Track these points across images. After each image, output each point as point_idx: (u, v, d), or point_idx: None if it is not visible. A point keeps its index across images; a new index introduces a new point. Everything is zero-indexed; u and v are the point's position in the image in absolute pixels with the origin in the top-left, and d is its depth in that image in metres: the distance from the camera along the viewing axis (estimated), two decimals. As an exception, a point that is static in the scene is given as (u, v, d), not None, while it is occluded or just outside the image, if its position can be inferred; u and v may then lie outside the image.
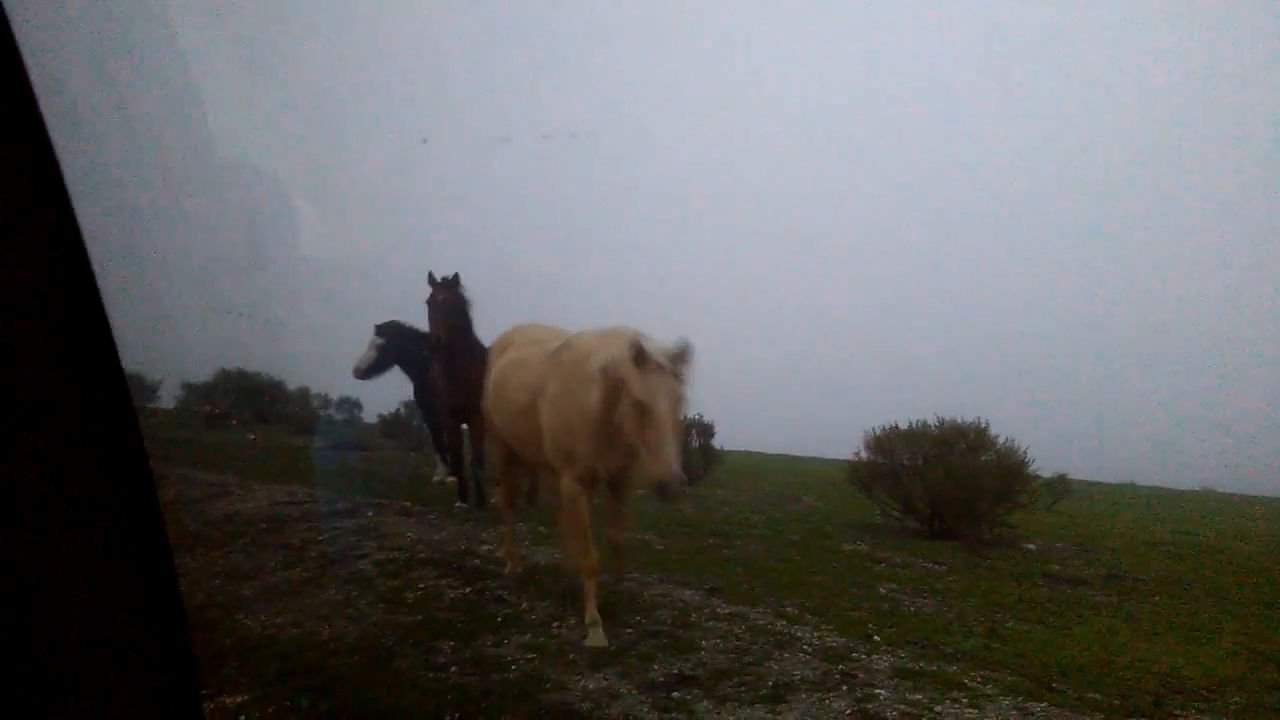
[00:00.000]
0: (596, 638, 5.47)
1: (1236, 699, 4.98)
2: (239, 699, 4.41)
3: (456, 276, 10.05)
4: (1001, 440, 11.53)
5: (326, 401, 30.94)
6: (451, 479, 11.97)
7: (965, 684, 4.99)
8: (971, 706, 4.61)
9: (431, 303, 9.84)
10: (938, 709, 4.55)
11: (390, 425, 24.50)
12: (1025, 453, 11.27)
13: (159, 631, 1.27)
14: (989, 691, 4.88)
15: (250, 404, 27.31)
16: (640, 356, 4.77)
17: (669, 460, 4.61)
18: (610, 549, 6.22)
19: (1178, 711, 4.65)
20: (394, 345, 12.36)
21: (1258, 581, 9.53)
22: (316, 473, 13.91)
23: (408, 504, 10.86)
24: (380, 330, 12.39)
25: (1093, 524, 15.20)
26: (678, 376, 4.84)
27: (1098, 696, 4.86)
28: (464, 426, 11.17)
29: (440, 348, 9.94)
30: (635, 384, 4.76)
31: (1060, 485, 20.29)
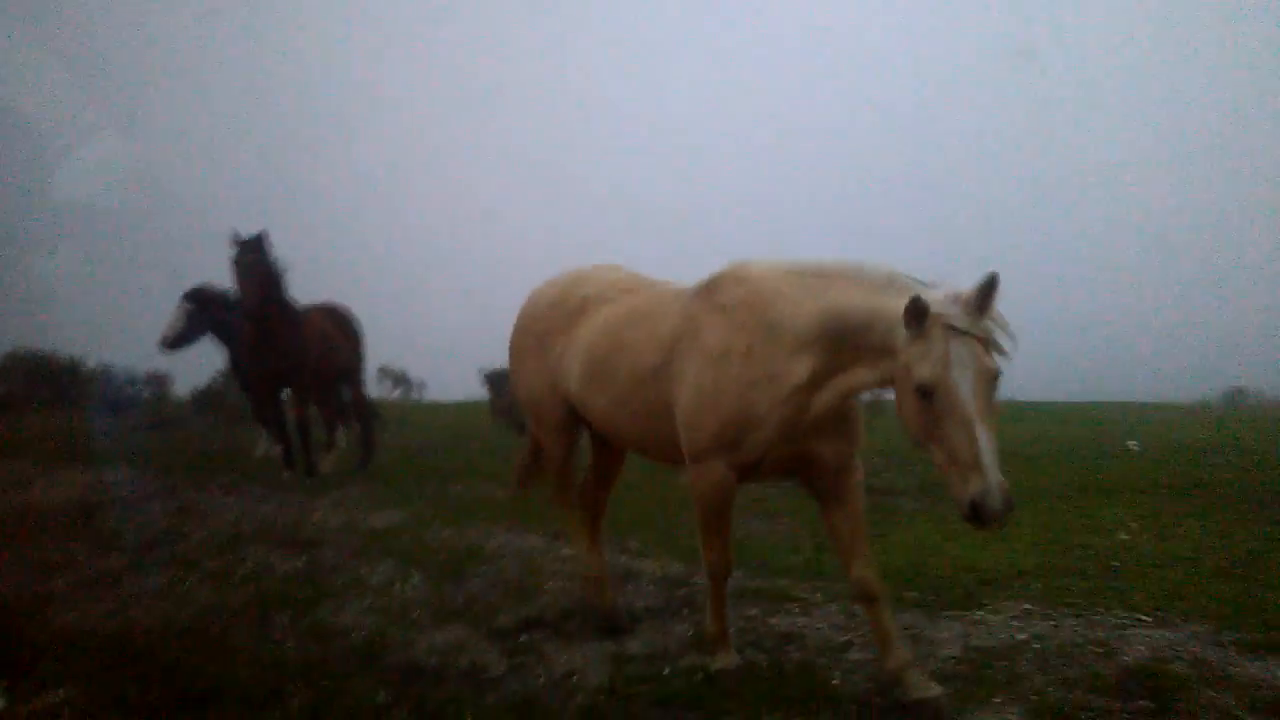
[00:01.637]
0: (727, 657, 4.17)
1: (1037, 585, 5.46)
2: (59, 695, 4.13)
3: (263, 235, 9.54)
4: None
5: (133, 378, 28.96)
6: (276, 449, 11.48)
7: (796, 595, 5.28)
8: (803, 615, 4.88)
9: (238, 264, 9.31)
10: (771, 620, 4.80)
11: (204, 399, 23.16)
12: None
13: None
14: (817, 600, 5.19)
15: (47, 386, 25.19)
16: (921, 315, 3.02)
17: (987, 470, 2.89)
18: (859, 591, 3.84)
19: (986, 601, 5.07)
20: (204, 312, 11.55)
21: (1053, 478, 10.47)
22: (126, 455, 13.04)
23: (229, 479, 10.36)
24: (189, 296, 11.50)
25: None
26: (984, 335, 3.07)
27: (915, 594, 5.23)
28: (284, 394, 10.73)
29: (251, 312, 9.41)
30: (924, 361, 3.02)
31: (876, 405, 21.60)
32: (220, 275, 10.46)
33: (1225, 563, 5.87)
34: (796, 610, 5.00)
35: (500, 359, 16.93)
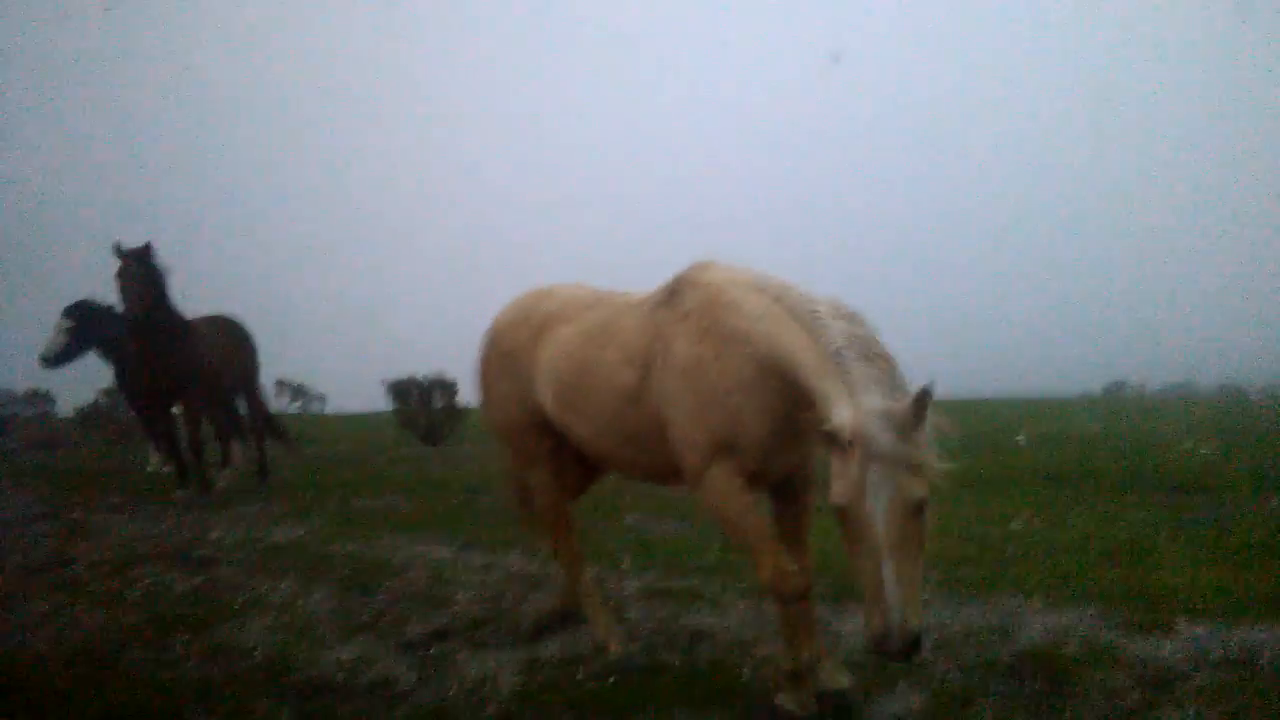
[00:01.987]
0: (838, 676, 3.68)
1: (935, 575, 5.61)
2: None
3: (148, 246, 9.17)
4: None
5: (10, 397, 27.56)
6: (168, 468, 11.04)
7: (705, 594, 5.34)
8: (713, 614, 4.94)
9: (123, 276, 8.93)
10: (682, 620, 4.83)
11: (89, 417, 22.15)
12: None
13: None
14: (726, 598, 5.27)
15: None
16: (837, 443, 2.82)
17: (889, 611, 2.67)
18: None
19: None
20: (86, 327, 11.05)
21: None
22: (9, 475, 12.39)
23: (120, 499, 9.92)
24: (69, 312, 11.01)
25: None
26: (907, 458, 2.75)
27: (822, 588, 5.34)
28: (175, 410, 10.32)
29: (136, 325, 9.02)
30: (838, 481, 2.81)
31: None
32: (105, 289, 10.05)
33: (1112, 547, 6.16)
34: (706, 609, 5.06)
35: (404, 369, 16.68)
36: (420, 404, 16.42)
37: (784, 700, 3.54)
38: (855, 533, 2.77)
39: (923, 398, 2.76)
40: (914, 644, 2.66)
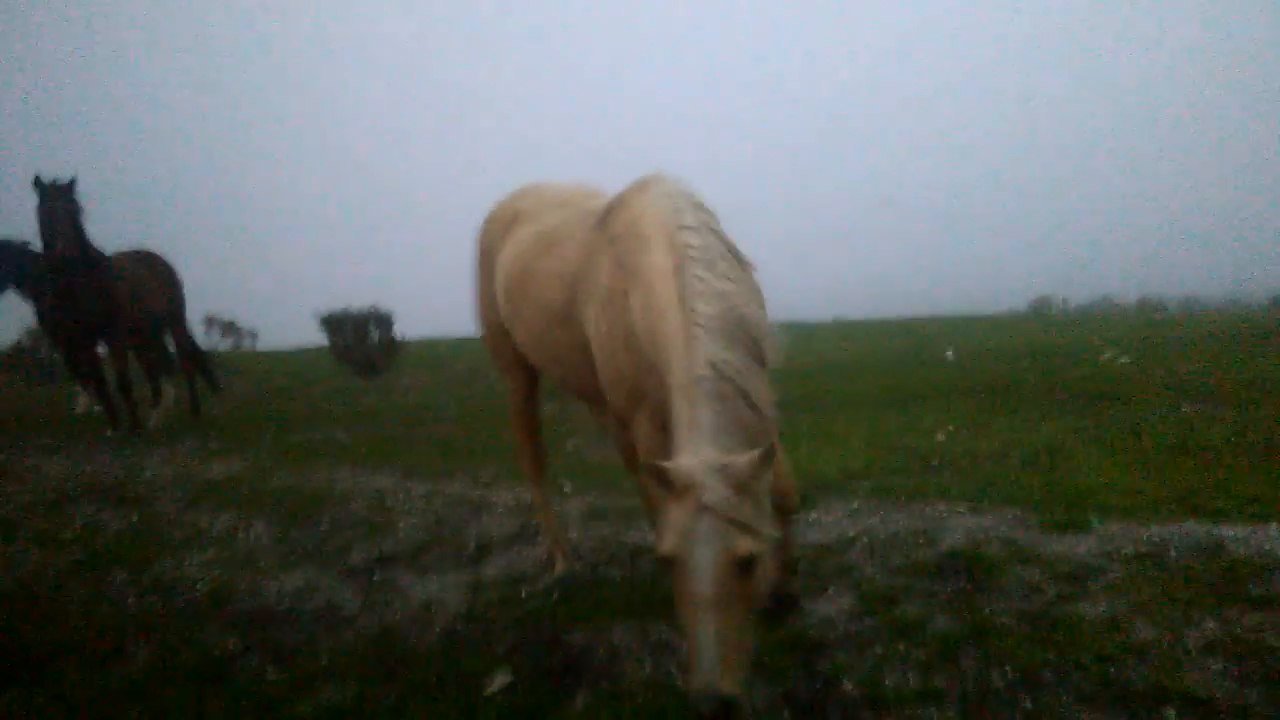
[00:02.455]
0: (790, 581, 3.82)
1: (866, 485, 5.83)
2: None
3: (72, 181, 8.83)
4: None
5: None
6: (97, 407, 10.79)
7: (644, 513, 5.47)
8: (652, 531, 5.08)
9: (43, 211, 8.59)
10: (622, 538, 4.95)
11: (13, 358, 21.41)
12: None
13: None
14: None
15: None
16: (667, 485, 2.60)
17: (700, 669, 2.41)
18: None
19: (819, 502, 5.40)
20: (1, 266, 10.64)
21: (878, 387, 11.12)
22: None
23: (50, 439, 9.70)
24: None
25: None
26: (740, 513, 2.52)
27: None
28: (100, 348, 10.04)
29: (57, 262, 8.71)
30: (666, 531, 2.59)
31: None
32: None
33: (1031, 455, 6.42)
34: (645, 527, 5.19)
35: (338, 303, 16.39)
36: (355, 337, 16.19)
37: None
38: (679, 585, 2.54)
39: (765, 456, 2.57)
40: (726, 708, 2.35)
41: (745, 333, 2.97)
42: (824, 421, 8.48)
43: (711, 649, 2.41)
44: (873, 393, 10.69)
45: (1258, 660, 3.02)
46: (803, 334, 26.28)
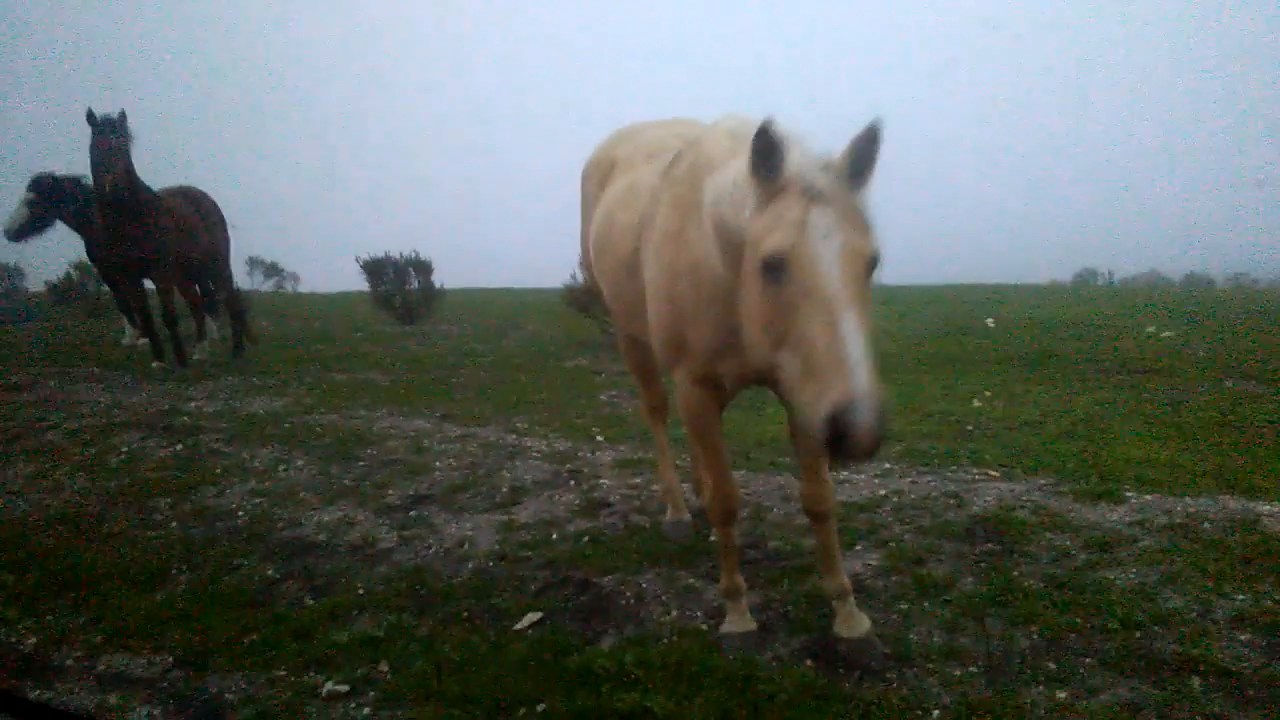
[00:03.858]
0: (739, 617, 3.35)
1: (899, 447, 5.81)
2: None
3: (121, 116, 8.93)
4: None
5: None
6: (144, 340, 11.01)
7: (678, 465, 5.50)
8: (683, 481, 5.12)
9: (96, 148, 8.70)
10: (654, 488, 5.00)
11: (62, 291, 21.85)
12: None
13: None
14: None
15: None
16: (773, 161, 2.26)
17: (853, 371, 2.02)
18: (807, 505, 3.27)
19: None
20: (51, 200, 10.84)
21: (917, 352, 11.04)
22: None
23: (96, 370, 9.95)
24: (33, 184, 10.79)
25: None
26: (854, 208, 2.26)
27: (785, 460, 5.52)
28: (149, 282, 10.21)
29: (105, 198, 8.84)
30: (775, 230, 2.23)
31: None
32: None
33: (1067, 425, 6.38)
34: (681, 478, 5.24)
35: (377, 249, 16.53)
36: (396, 283, 16.30)
37: (726, 623, 3.35)
38: (800, 288, 2.16)
39: (868, 137, 2.27)
40: (884, 422, 2.01)
41: None
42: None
43: (860, 352, 2.04)
44: (910, 358, 10.61)
45: (1284, 634, 3.01)
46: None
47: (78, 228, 11.09)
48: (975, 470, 5.14)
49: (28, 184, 10.79)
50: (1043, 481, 4.82)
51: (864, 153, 2.27)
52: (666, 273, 3.08)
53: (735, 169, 2.52)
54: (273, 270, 42.98)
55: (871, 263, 2.23)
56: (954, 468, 5.20)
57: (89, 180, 9.40)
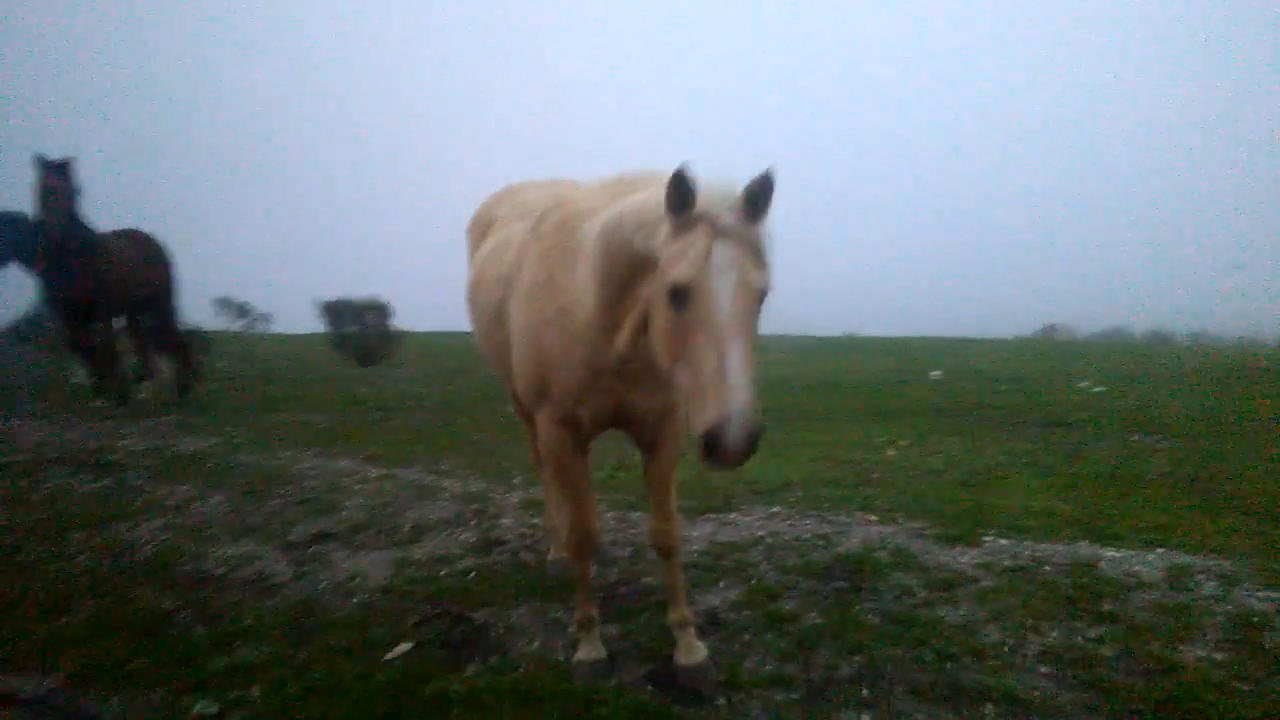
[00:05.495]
0: (590, 647, 3.56)
1: (798, 494, 6.06)
2: None
3: (69, 160, 9.16)
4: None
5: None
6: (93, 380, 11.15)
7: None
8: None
9: (41, 189, 8.92)
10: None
11: (24, 328, 21.87)
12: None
13: None
14: (601, 509, 5.64)
15: None
16: (685, 200, 2.49)
17: (731, 391, 2.32)
18: (654, 542, 3.55)
19: (742, 505, 5.64)
20: (6, 239, 10.98)
21: (849, 404, 11.36)
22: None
23: (39, 407, 10.06)
24: None
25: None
26: (752, 244, 2.51)
27: (690, 502, 5.73)
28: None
29: (51, 238, 9.02)
30: (681, 260, 2.49)
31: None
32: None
33: (966, 474, 6.67)
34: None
35: (340, 291, 16.75)
36: (353, 326, 16.53)
37: (579, 652, 3.57)
38: (697, 317, 2.43)
39: (763, 181, 2.50)
40: (754, 438, 2.31)
41: None
42: (784, 433, 8.72)
43: (740, 376, 2.34)
44: (846, 408, 10.92)
45: (1084, 667, 3.26)
46: (802, 349, 26.50)
47: (26, 265, 11.22)
48: (860, 515, 5.39)
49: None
50: (914, 525, 5.07)
51: (760, 194, 2.50)
52: (533, 320, 3.28)
53: (646, 202, 2.77)
54: (243, 311, 43.03)
55: (762, 295, 2.49)
56: (838, 513, 5.44)
57: (34, 219, 9.57)
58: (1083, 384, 13.14)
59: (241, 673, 3.66)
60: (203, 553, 4.98)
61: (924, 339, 35.28)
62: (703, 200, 2.50)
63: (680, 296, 2.47)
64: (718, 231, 2.47)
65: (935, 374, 15.56)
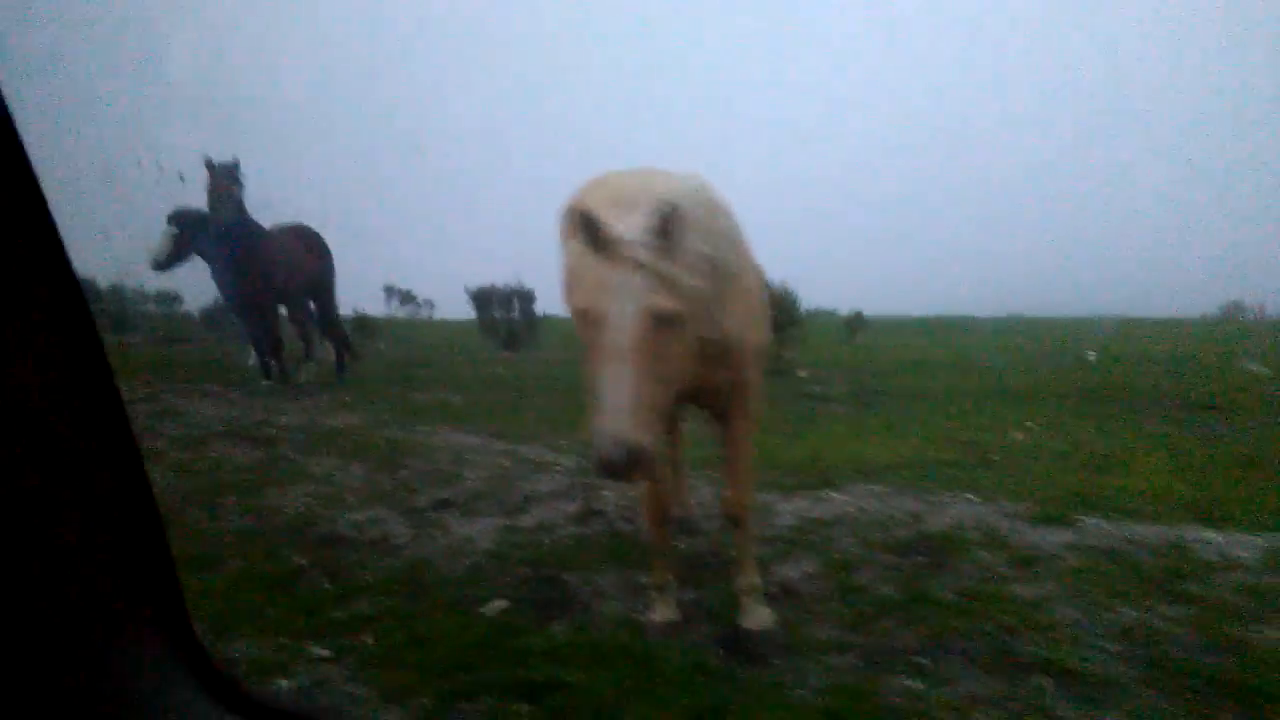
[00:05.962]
0: (664, 608, 3.75)
1: (905, 473, 6.06)
2: None
3: (235, 163, 10.07)
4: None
5: (143, 296, 29.77)
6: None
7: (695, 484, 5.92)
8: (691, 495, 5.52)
9: (211, 191, 9.87)
10: (630, 494, 5.43)
11: (212, 315, 23.99)
12: (795, 292, 12.44)
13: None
14: (697, 484, 5.83)
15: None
16: (592, 234, 2.63)
17: (605, 415, 2.45)
18: (725, 510, 3.76)
19: (839, 482, 5.70)
20: (189, 234, 12.13)
21: (965, 385, 11.07)
22: (129, 368, 13.82)
23: (216, 387, 11.10)
24: (173, 219, 12.10)
25: (869, 354, 16.80)
26: (657, 274, 2.59)
27: (791, 480, 5.84)
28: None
29: (219, 234, 9.98)
30: (587, 284, 2.74)
31: (856, 321, 22.11)
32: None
33: (1090, 457, 6.47)
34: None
35: (493, 277, 17.57)
36: (499, 311, 17.28)
37: (652, 613, 3.74)
38: (595, 338, 2.58)
39: (667, 213, 2.58)
40: (632, 458, 2.39)
41: None
42: (900, 415, 8.66)
43: (621, 397, 2.44)
44: (970, 388, 10.66)
45: (1151, 645, 3.22)
46: (970, 328, 25.74)
47: (207, 259, 12.39)
48: (961, 495, 5.36)
49: (168, 217, 12.08)
50: (1012, 506, 5.02)
51: (664, 221, 2.60)
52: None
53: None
54: (407, 298, 45.59)
55: (663, 318, 2.57)
56: (939, 493, 5.43)
57: (207, 216, 10.59)
58: (1250, 367, 12.29)
59: (358, 622, 4.06)
60: (336, 516, 5.47)
61: (1093, 319, 33.56)
62: (613, 231, 2.61)
63: (583, 319, 2.66)
64: (620, 258, 2.58)
65: (1090, 354, 14.88)
